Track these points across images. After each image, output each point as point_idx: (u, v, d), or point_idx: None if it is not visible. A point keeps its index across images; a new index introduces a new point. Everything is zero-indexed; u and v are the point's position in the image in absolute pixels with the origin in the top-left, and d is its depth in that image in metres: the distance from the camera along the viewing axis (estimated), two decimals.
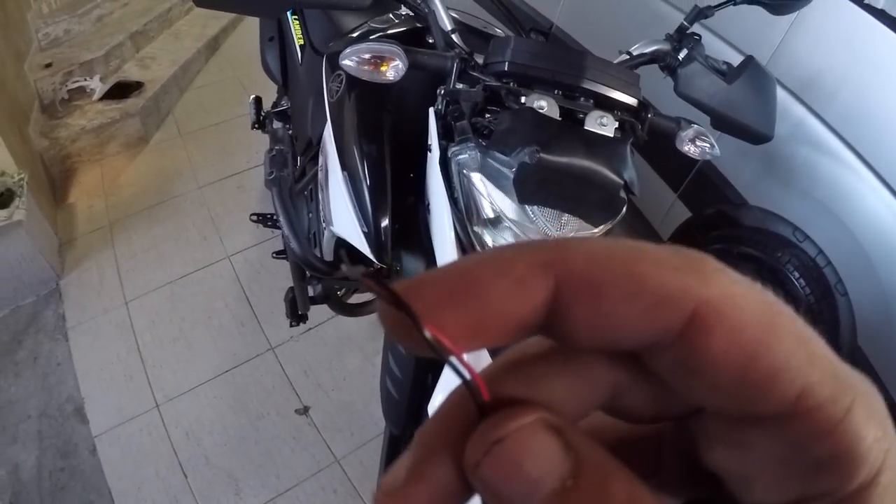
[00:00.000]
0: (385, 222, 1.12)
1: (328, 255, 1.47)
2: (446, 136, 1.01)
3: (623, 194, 0.92)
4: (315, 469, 1.65)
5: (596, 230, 0.92)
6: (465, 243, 0.97)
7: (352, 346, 1.91)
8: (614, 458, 0.15)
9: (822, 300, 1.57)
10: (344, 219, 1.17)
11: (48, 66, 2.64)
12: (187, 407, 1.78)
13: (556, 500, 0.14)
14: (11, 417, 1.78)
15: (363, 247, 1.15)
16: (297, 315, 1.65)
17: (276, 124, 1.90)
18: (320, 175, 1.42)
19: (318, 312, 1.79)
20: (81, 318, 1.98)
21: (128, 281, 2.08)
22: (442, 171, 0.99)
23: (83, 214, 2.28)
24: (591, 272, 0.15)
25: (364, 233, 1.12)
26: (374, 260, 1.15)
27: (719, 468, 0.18)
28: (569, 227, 0.91)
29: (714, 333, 0.15)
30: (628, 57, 1.14)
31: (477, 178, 0.95)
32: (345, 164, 1.17)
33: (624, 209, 0.93)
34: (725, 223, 1.84)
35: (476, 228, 0.96)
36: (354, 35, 1.43)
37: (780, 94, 1.16)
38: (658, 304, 0.15)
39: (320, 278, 1.56)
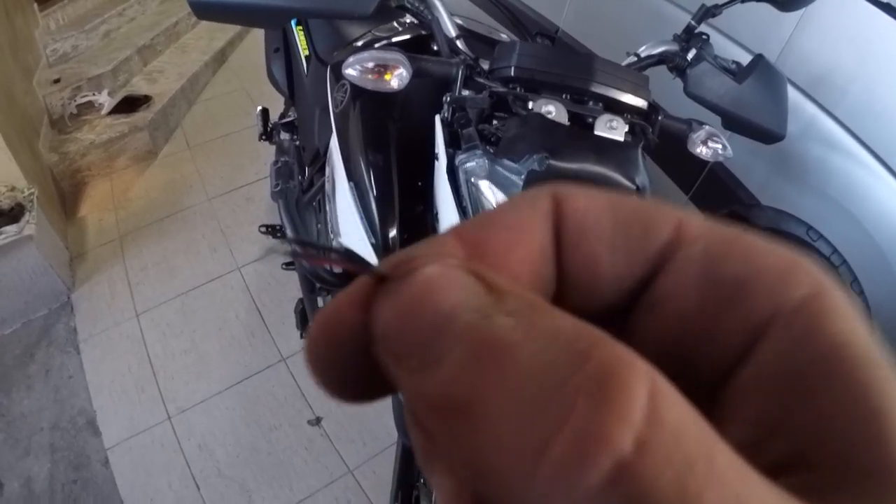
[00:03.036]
0: (393, 232, 1.11)
1: (336, 267, 1.47)
2: (453, 144, 1.00)
3: None
4: (328, 480, 1.64)
5: None
6: None
7: None
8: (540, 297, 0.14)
9: None
10: (351, 230, 1.16)
11: (57, 81, 2.67)
12: (199, 418, 1.78)
13: (473, 335, 0.12)
14: (24, 430, 1.78)
15: (371, 258, 1.14)
16: (307, 326, 1.65)
17: (283, 135, 1.91)
18: (327, 186, 1.42)
19: None
20: (93, 331, 1.98)
21: (138, 293, 2.08)
22: (449, 179, 0.98)
23: (93, 228, 2.29)
24: (583, 211, 0.16)
25: (372, 244, 1.12)
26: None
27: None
28: None
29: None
30: (636, 59, 1.13)
31: (485, 186, 0.94)
32: (351, 175, 1.17)
33: None
34: (738, 224, 1.83)
35: None
36: (358, 44, 1.43)
37: (791, 92, 1.16)
38: (643, 230, 0.16)
39: (329, 289, 1.56)
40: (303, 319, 1.65)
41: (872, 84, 1.50)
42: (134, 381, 1.86)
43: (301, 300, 1.63)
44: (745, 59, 1.09)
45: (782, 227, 1.66)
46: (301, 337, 1.63)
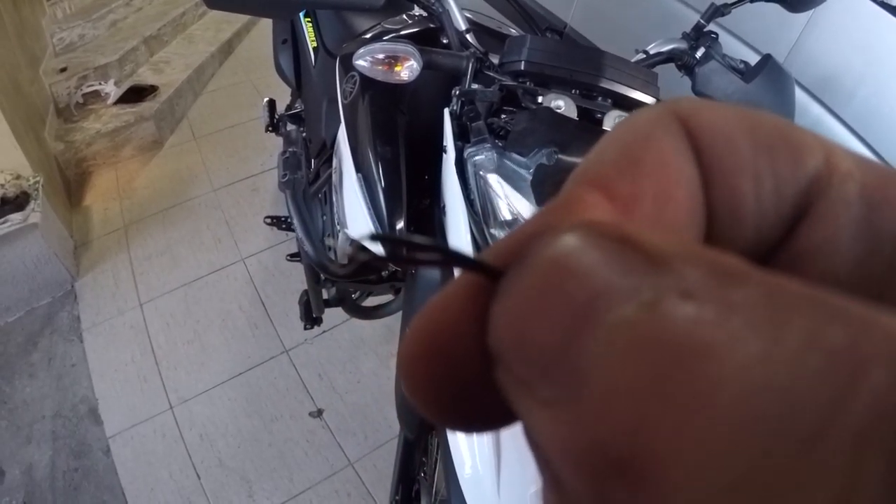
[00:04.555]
0: (400, 224, 1.11)
1: (343, 258, 1.48)
2: (462, 138, 1.00)
3: None
4: (328, 472, 1.65)
5: None
6: (482, 246, 0.96)
7: (366, 349, 1.90)
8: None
9: None
10: (358, 221, 1.16)
11: (63, 70, 2.67)
12: (201, 409, 1.78)
13: (634, 337, 0.08)
14: (26, 417, 1.79)
15: (378, 250, 1.15)
16: (311, 318, 1.65)
17: (290, 127, 1.91)
18: (334, 177, 1.42)
19: (333, 315, 1.79)
20: (96, 320, 1.99)
21: (142, 283, 2.09)
22: (458, 172, 0.99)
23: (98, 217, 2.30)
24: (713, 131, 0.13)
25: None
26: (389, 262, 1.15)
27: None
28: None
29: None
30: (645, 56, 1.13)
31: (494, 180, 0.94)
32: (359, 166, 1.17)
33: None
34: None
35: (493, 231, 0.95)
36: (368, 36, 1.43)
37: (798, 93, 1.16)
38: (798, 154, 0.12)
39: (335, 281, 1.56)
40: (307, 311, 1.65)
41: (880, 87, 1.49)
42: (136, 371, 1.87)
43: (305, 292, 1.63)
44: (754, 59, 1.09)
45: None
46: (305, 328, 1.63)
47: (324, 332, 1.94)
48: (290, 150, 1.81)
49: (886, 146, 1.48)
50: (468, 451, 0.90)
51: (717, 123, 0.12)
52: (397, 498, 1.28)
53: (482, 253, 0.11)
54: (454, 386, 0.11)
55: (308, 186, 1.63)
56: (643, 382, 0.08)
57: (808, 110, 1.62)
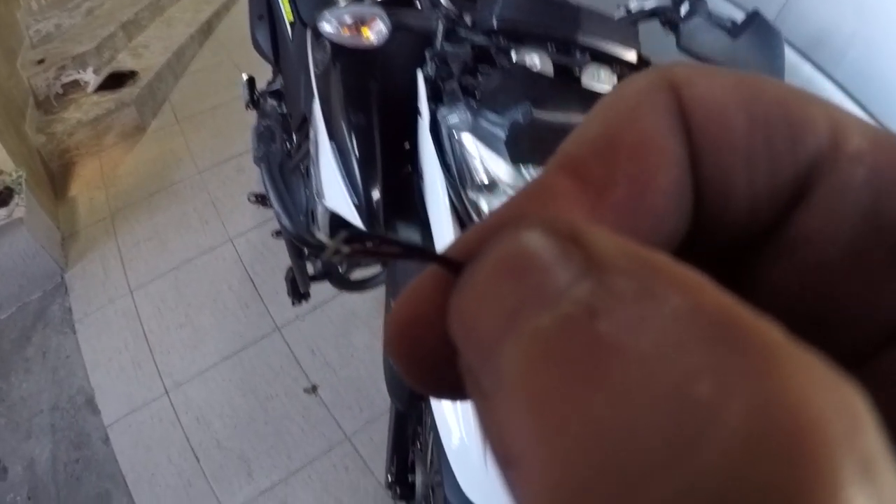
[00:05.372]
0: (376, 193, 1.08)
1: (324, 231, 1.44)
2: (436, 100, 0.97)
3: None
4: (326, 447, 1.62)
5: None
6: (461, 211, 0.92)
7: (358, 323, 1.87)
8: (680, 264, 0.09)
9: None
10: (334, 192, 1.13)
11: (41, 62, 2.62)
12: (196, 391, 1.76)
13: (539, 345, 0.09)
14: (24, 413, 1.78)
15: (355, 219, 1.10)
16: (298, 294, 1.62)
17: (270, 103, 1.86)
18: (311, 150, 1.39)
19: (323, 290, 1.75)
20: (87, 310, 1.97)
21: (131, 270, 2.06)
22: (432, 135, 0.95)
23: (84, 207, 2.27)
24: (708, 104, 0.12)
25: (355, 205, 1.08)
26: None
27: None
28: None
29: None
30: (627, 13, 1.07)
31: (468, 140, 0.91)
32: (332, 135, 1.13)
33: None
34: None
35: (471, 195, 0.91)
36: (342, 3, 1.37)
37: (788, 52, 1.14)
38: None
39: (318, 255, 1.52)
40: (293, 288, 1.62)
41: (872, 47, 1.45)
42: (130, 358, 1.85)
43: (291, 268, 1.59)
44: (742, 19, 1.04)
45: None
46: (293, 305, 1.60)
47: (315, 307, 1.90)
48: (263, 123, 1.76)
49: (879, 106, 1.42)
50: (455, 422, 0.88)
51: (711, 95, 0.12)
52: (393, 469, 1.26)
53: (449, 245, 0.12)
54: (429, 367, 0.12)
55: (288, 160, 1.59)
56: (533, 392, 0.08)
57: (799, 70, 1.56)
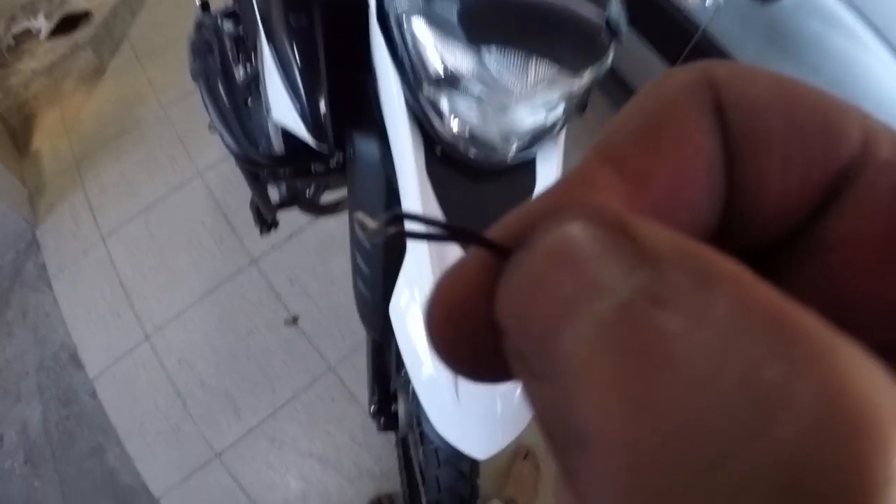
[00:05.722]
0: (321, 101, 0.96)
1: (278, 148, 1.28)
2: None
3: (605, 36, 0.71)
4: (310, 379, 1.52)
5: (576, 79, 0.74)
6: (418, 113, 0.80)
7: (335, 249, 1.72)
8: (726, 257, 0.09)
9: None
10: (280, 103, 1.02)
11: None
12: (176, 334, 1.67)
13: (602, 335, 0.09)
14: (11, 377, 1.73)
15: (301, 132, 0.99)
16: (264, 222, 1.48)
17: (227, 27, 1.66)
18: (259, 64, 1.24)
19: (297, 217, 1.61)
20: (62, 265, 1.88)
21: (102, 217, 1.95)
22: (380, 25, 0.80)
23: (48, 159, 2.15)
24: (749, 105, 0.12)
25: (300, 116, 0.97)
26: (314, 146, 0.99)
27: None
28: (539, 75, 0.72)
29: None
30: None
31: (420, 26, 0.74)
32: (272, 41, 1.01)
33: (611, 53, 0.74)
34: None
35: (428, 92, 0.78)
36: None
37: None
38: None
39: (276, 177, 1.38)
40: (259, 216, 1.48)
41: None
42: (108, 307, 1.76)
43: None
44: None
45: None
46: (261, 235, 1.46)
47: (291, 236, 1.76)
48: (198, 35, 1.58)
49: (884, 22, 1.28)
50: (424, 352, 0.80)
51: (750, 97, 0.12)
52: (375, 399, 1.16)
53: (492, 227, 0.12)
54: (469, 348, 0.12)
55: (245, 88, 1.42)
56: (603, 377, 0.08)
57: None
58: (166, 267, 1.80)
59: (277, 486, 1.46)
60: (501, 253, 0.11)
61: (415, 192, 0.81)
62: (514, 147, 0.80)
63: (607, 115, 1.99)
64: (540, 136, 0.81)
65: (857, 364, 0.08)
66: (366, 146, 0.99)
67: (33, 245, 1.95)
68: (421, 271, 0.80)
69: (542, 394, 0.10)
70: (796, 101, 0.12)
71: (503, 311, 0.10)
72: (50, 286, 1.85)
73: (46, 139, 2.20)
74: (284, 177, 1.37)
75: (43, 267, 1.89)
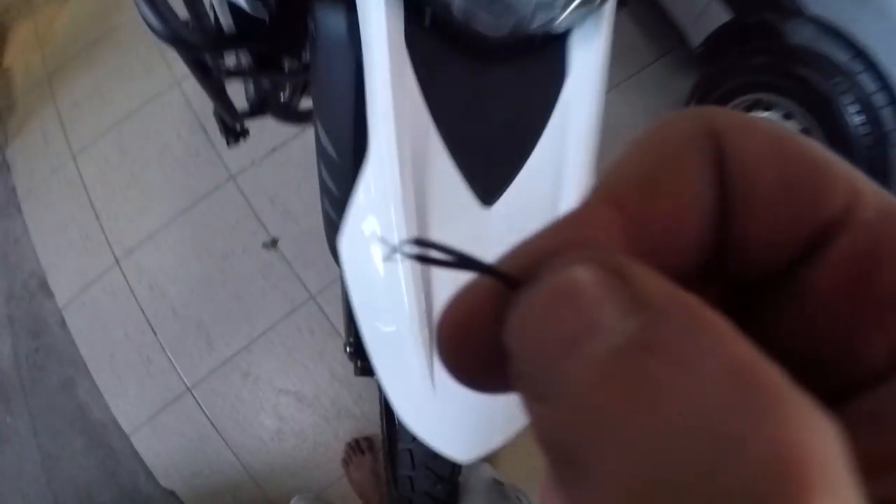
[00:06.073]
0: None
1: (227, 26, 1.04)
2: None
3: None
4: (289, 308, 1.33)
5: None
6: None
7: None
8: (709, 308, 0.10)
9: (875, 146, 1.27)
10: None
11: None
12: (148, 257, 1.50)
13: (595, 371, 0.10)
14: None
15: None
16: (230, 131, 1.26)
17: None
18: None
19: (281, 130, 1.39)
20: (31, 186, 1.72)
21: (73, 133, 1.76)
22: None
23: (20, 75, 1.96)
24: (748, 159, 0.13)
25: None
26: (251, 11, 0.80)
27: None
28: None
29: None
30: None
31: None
32: None
33: None
34: (770, 35, 1.41)
35: None
36: None
37: None
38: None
39: (238, 74, 1.15)
40: (223, 123, 1.26)
41: None
42: (78, 230, 1.60)
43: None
44: None
45: (821, 49, 1.32)
46: (228, 146, 1.24)
47: (273, 150, 1.54)
48: None
49: None
50: (386, 308, 0.63)
51: (749, 150, 0.13)
52: (351, 340, 0.96)
53: (500, 259, 0.13)
54: (477, 365, 0.13)
55: None
56: (598, 406, 0.10)
57: None
58: (138, 184, 1.61)
59: (251, 423, 1.30)
60: (510, 283, 0.12)
61: (382, 71, 0.58)
62: (537, 4, 0.57)
63: (637, 44, 1.68)
64: None
65: (808, 418, 0.09)
66: (329, 17, 0.75)
67: (3, 167, 1.78)
68: (386, 195, 0.58)
69: (542, 413, 0.11)
70: (791, 157, 0.12)
71: (511, 337, 0.11)
72: (19, 209, 1.69)
73: (19, 54, 2.01)
74: (245, 73, 1.12)
75: (13, 190, 1.73)
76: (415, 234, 0.60)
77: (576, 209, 0.13)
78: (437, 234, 0.61)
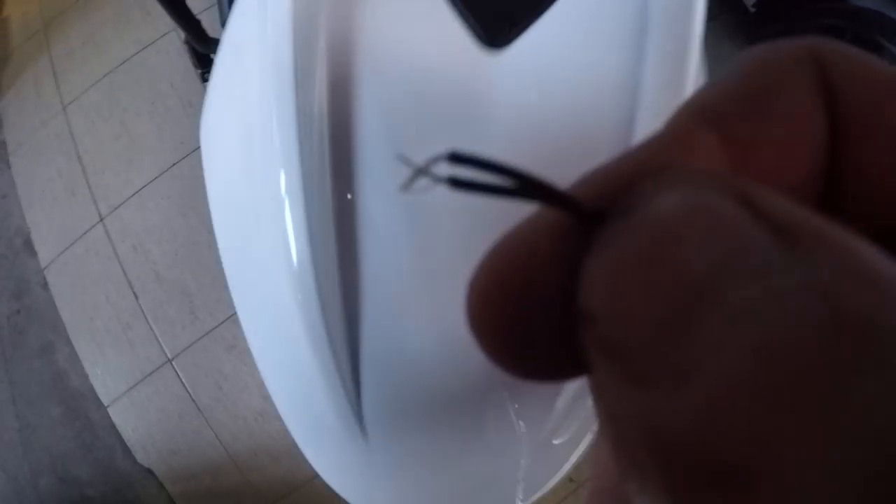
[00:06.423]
0: None
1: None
2: None
3: None
4: None
5: None
6: None
7: None
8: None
9: None
10: None
11: None
12: (133, 215, 1.37)
13: (765, 331, 0.07)
14: None
15: None
16: (201, 58, 1.12)
17: None
18: None
19: None
20: (21, 140, 1.61)
21: (64, 83, 1.64)
22: None
23: (17, 25, 1.84)
24: (863, 91, 0.10)
25: None
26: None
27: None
28: None
29: None
30: None
31: None
32: None
33: None
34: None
35: None
36: None
37: None
38: None
39: None
40: (193, 51, 1.12)
41: None
42: (64, 185, 1.48)
43: None
44: None
45: (888, 12, 1.09)
46: (202, 81, 1.10)
47: None
48: None
49: None
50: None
51: (865, 81, 0.10)
52: None
53: (571, 185, 0.10)
54: (524, 335, 0.09)
55: None
56: (773, 388, 0.07)
57: None
58: (127, 136, 1.48)
59: (233, 401, 1.16)
60: (586, 217, 0.09)
61: None
62: None
63: None
64: None
65: None
66: None
67: None
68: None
69: (651, 405, 0.07)
70: None
71: (597, 294, 0.08)
72: (8, 164, 1.59)
73: (17, 5, 1.89)
74: None
75: (4, 144, 1.63)
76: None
77: (662, 129, 0.10)
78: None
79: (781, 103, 0.10)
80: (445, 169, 0.08)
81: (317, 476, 0.48)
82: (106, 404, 1.25)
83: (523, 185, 0.09)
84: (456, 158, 0.08)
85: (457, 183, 0.09)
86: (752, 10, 1.33)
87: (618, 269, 0.08)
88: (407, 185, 0.08)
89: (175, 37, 1.61)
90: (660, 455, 0.07)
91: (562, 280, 0.09)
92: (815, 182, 0.10)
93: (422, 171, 0.08)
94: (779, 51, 0.11)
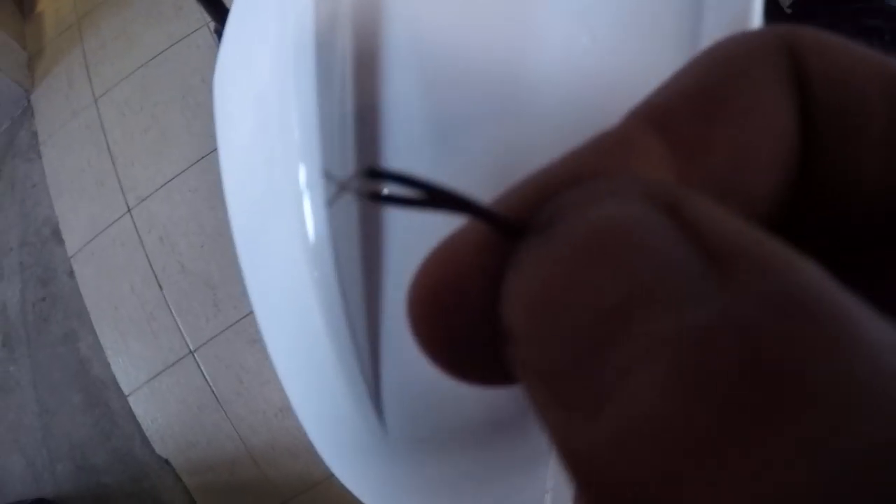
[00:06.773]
0: None
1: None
2: None
3: None
4: None
5: None
6: None
7: None
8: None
9: None
10: None
11: None
12: (160, 207, 1.38)
13: (680, 358, 0.06)
14: None
15: None
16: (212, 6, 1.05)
17: None
18: None
19: None
20: (52, 130, 1.63)
21: (96, 76, 1.66)
22: None
23: (51, 19, 1.88)
24: (841, 79, 0.09)
25: None
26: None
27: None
28: None
29: None
30: None
31: None
32: None
33: None
34: None
35: None
36: None
37: None
38: None
39: None
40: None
41: None
42: (93, 176, 1.49)
43: None
44: None
45: None
46: (214, 32, 1.10)
47: None
48: None
49: None
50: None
51: (844, 69, 0.09)
52: None
53: (503, 194, 0.09)
54: (459, 346, 0.09)
55: None
56: (675, 429, 0.06)
57: None
58: (157, 128, 1.50)
59: (254, 396, 1.16)
60: (510, 230, 0.08)
61: None
62: None
63: None
64: None
65: None
66: None
67: (28, 112, 1.70)
68: None
69: (563, 423, 0.07)
70: None
71: (515, 311, 0.08)
72: (39, 154, 1.61)
73: (51, 0, 1.93)
74: None
75: (35, 135, 1.65)
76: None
77: (605, 132, 0.09)
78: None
79: (739, 100, 0.09)
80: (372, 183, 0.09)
81: (333, 475, 0.46)
82: (126, 393, 1.25)
83: (442, 199, 0.08)
84: (374, 174, 0.08)
85: (378, 197, 0.09)
86: (788, 10, 1.30)
87: (531, 290, 0.08)
88: (332, 201, 0.11)
89: (207, 32, 1.62)
90: (579, 478, 0.07)
91: (489, 295, 0.08)
92: (780, 190, 0.09)
93: (344, 187, 0.09)
94: (745, 40, 0.10)
